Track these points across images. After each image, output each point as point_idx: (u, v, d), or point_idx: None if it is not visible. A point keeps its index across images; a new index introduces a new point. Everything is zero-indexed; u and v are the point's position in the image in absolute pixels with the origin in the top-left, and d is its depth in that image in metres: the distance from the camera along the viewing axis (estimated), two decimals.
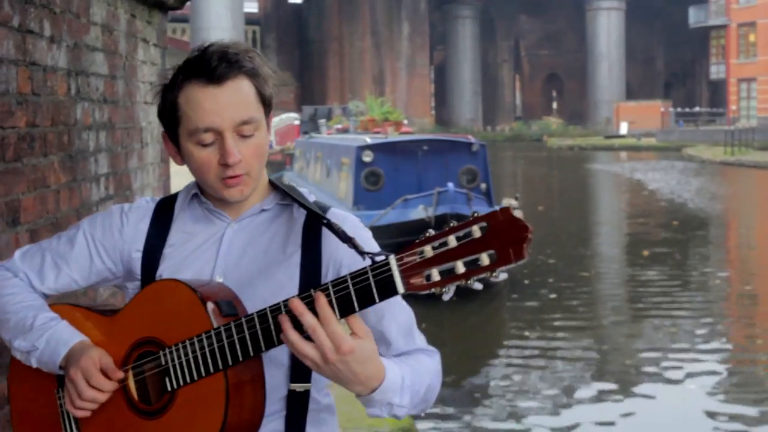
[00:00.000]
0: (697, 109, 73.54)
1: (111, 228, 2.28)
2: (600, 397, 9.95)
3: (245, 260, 2.19)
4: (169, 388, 2.04)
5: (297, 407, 2.16)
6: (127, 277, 2.29)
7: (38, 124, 3.61)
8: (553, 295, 14.83)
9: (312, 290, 1.91)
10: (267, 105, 2.19)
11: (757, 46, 66.32)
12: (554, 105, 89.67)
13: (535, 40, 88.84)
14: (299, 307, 1.88)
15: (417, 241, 1.82)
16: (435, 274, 1.80)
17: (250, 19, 71.87)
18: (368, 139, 17.66)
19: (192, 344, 2.01)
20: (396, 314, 2.19)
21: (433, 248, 1.80)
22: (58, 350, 2.14)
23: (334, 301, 1.89)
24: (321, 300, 1.87)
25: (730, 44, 68.76)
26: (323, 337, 1.86)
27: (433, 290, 1.81)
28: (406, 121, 24.78)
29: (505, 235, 1.75)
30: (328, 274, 2.17)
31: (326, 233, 2.17)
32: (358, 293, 1.87)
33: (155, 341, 2.08)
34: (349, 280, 1.88)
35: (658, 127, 67.07)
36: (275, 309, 1.94)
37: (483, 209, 14.99)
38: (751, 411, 9.35)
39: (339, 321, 1.90)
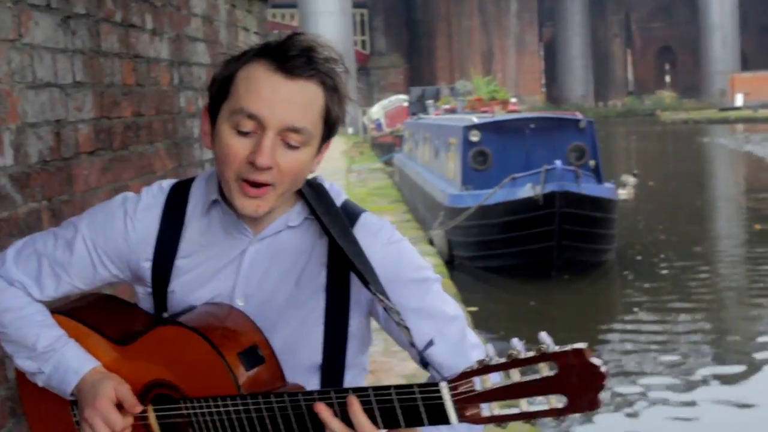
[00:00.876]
0: None
1: (114, 236, 2.04)
2: (719, 379, 9.75)
3: (269, 283, 1.99)
4: None
5: None
6: (137, 281, 2.09)
7: (143, 114, 3.79)
8: (665, 272, 14.68)
9: (349, 391, 1.77)
10: (329, 128, 1.94)
11: None
12: (667, 78, 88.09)
13: (645, 13, 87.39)
14: (354, 404, 1.75)
15: (474, 368, 1.65)
16: (493, 408, 1.65)
17: (357, 2, 72.15)
18: (475, 119, 17.65)
19: (217, 406, 1.88)
20: (443, 326, 2.00)
21: (493, 381, 1.64)
22: (68, 379, 1.99)
23: (376, 410, 1.76)
24: (355, 406, 1.75)
25: None
26: None
27: (493, 425, 1.68)
28: (514, 99, 24.67)
29: (578, 381, 1.60)
30: (360, 299, 1.99)
31: (360, 239, 1.97)
32: (404, 410, 1.73)
33: (174, 387, 1.94)
34: (393, 393, 1.73)
35: None
36: (307, 397, 1.81)
37: (591, 185, 14.99)
38: None
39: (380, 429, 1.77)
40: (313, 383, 1.97)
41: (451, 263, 15.01)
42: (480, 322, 10.17)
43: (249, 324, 1.93)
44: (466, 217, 14.85)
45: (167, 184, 2.08)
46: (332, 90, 1.89)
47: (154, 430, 1.96)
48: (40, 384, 2.02)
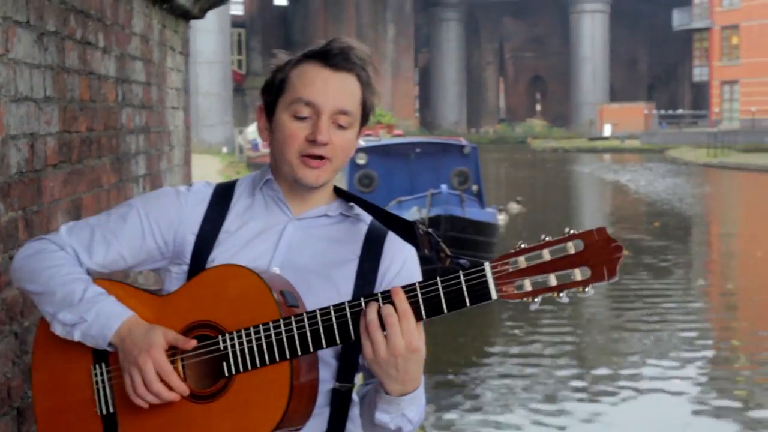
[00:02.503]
0: (680, 111, 73.92)
1: (168, 208, 2.24)
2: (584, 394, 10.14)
3: (303, 258, 2.20)
4: (227, 374, 2.03)
5: (340, 405, 2.19)
6: (174, 260, 2.25)
7: (95, 129, 3.91)
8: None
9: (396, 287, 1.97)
10: (365, 114, 2.25)
11: (739, 49, 66.72)
12: (538, 107, 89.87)
13: (519, 43, 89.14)
14: (399, 293, 1.96)
15: (511, 251, 1.91)
16: (527, 285, 1.91)
17: (236, 22, 71.97)
18: (361, 142, 17.91)
19: (257, 331, 2.01)
20: None
21: (527, 259, 1.90)
22: (110, 324, 2.10)
23: (420, 301, 1.95)
24: (401, 294, 1.96)
25: (713, 47, 69.17)
26: (398, 329, 1.95)
27: (524, 299, 1.92)
28: (396, 124, 25.02)
29: (600, 254, 1.87)
30: (380, 288, 2.20)
31: (387, 249, 2.24)
32: (449, 296, 1.94)
33: (212, 325, 2.06)
34: (439, 283, 1.95)
35: (641, 129, 67.39)
36: (353, 305, 1.99)
37: (475, 210, 15.37)
38: None
39: (424, 320, 1.96)
40: (329, 361, 2.16)
41: None
42: None
43: (287, 282, 2.11)
44: None
45: (214, 183, 2.34)
46: (366, 83, 2.22)
47: (179, 373, 2.06)
48: (76, 336, 2.11)
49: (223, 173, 30.98)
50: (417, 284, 1.96)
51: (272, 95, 2.22)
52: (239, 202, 2.26)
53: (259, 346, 2.00)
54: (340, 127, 2.17)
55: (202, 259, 2.20)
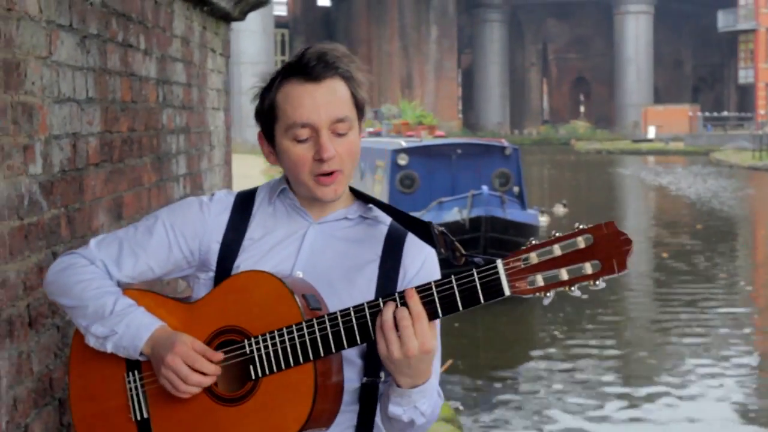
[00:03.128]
0: (725, 113, 73.39)
1: (192, 218, 2.30)
2: (625, 400, 10.10)
3: (325, 261, 2.25)
4: (253, 377, 2.10)
5: (369, 399, 2.23)
6: (201, 268, 2.31)
7: (136, 129, 4.00)
8: (584, 296, 15.07)
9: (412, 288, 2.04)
10: (360, 109, 2.27)
11: None
12: (582, 109, 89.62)
13: (562, 44, 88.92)
14: (413, 296, 2.02)
15: (523, 248, 1.96)
16: (539, 280, 1.95)
17: (279, 23, 72.34)
18: (403, 143, 17.98)
19: (281, 335, 2.07)
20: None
21: (538, 255, 1.95)
22: (140, 334, 2.17)
23: (437, 300, 2.02)
24: (415, 297, 2.02)
25: (758, 48, 68.74)
26: (412, 332, 2.01)
27: (537, 294, 1.96)
28: (438, 125, 25.10)
29: (609, 247, 1.91)
30: (402, 288, 2.22)
31: (407, 250, 2.28)
32: (463, 294, 1.99)
33: (238, 330, 2.13)
34: (454, 281, 2.00)
35: (686, 131, 67.01)
36: (372, 305, 2.06)
37: (516, 211, 15.39)
38: None
39: (440, 318, 2.04)
40: (354, 360, 2.22)
41: None
42: None
43: (310, 285, 2.17)
44: None
45: (235, 192, 2.40)
46: (351, 79, 2.24)
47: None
48: (109, 348, 2.19)
49: (266, 173, 31.13)
50: (432, 283, 2.02)
51: (266, 122, 2.27)
52: (261, 210, 2.32)
53: (284, 349, 2.07)
54: (339, 135, 2.20)
55: (228, 266, 2.25)
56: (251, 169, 28.97)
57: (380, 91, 71.79)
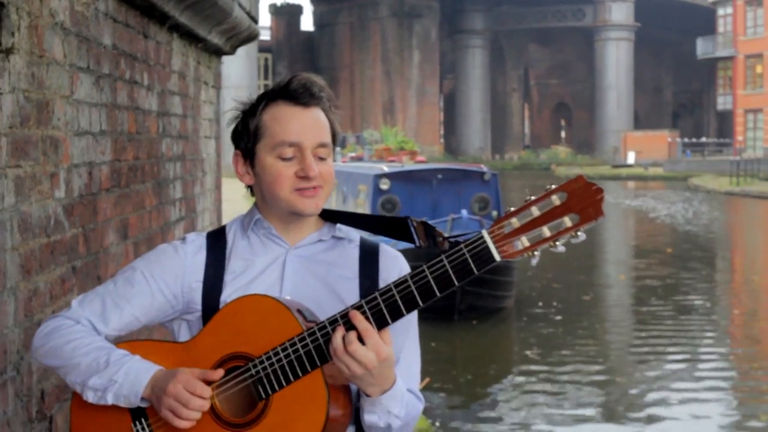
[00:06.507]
0: (703, 139, 74.00)
1: (169, 262, 2.35)
2: (607, 420, 10.32)
3: (310, 284, 2.33)
4: (264, 396, 2.13)
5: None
6: (186, 309, 2.35)
7: (140, 157, 4.44)
8: (558, 317, 15.50)
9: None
10: (335, 140, 2.38)
11: (763, 78, 66.95)
12: (563, 134, 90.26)
13: (544, 70, 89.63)
14: (356, 316, 2.10)
15: (503, 215, 2.04)
16: (524, 241, 2.02)
17: (262, 47, 72.84)
18: (385, 168, 18.33)
19: (284, 349, 2.11)
20: (412, 354, 2.41)
21: (519, 219, 2.02)
22: (140, 380, 2.20)
23: (431, 280, 2.07)
24: (358, 316, 2.09)
25: (737, 75, 69.51)
26: (364, 352, 2.08)
27: (525, 255, 2.03)
28: (419, 150, 25.53)
29: (583, 198, 1.99)
30: None
31: (382, 263, 2.39)
32: (455, 269, 2.05)
33: (240, 355, 2.17)
34: (444, 259, 2.06)
35: (665, 156, 67.62)
36: (369, 302, 2.11)
37: None
38: None
39: (439, 295, 2.08)
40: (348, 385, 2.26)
41: None
42: None
43: (300, 303, 2.23)
44: None
45: (204, 233, 2.47)
46: (330, 110, 2.36)
47: (217, 407, 2.17)
48: (110, 399, 2.22)
49: (248, 197, 31.36)
50: (425, 266, 2.08)
51: (249, 141, 2.34)
52: (236, 244, 2.38)
53: (289, 362, 2.11)
54: (321, 159, 2.31)
55: (214, 303, 2.31)
56: (234, 193, 29.32)
57: (363, 115, 72.36)
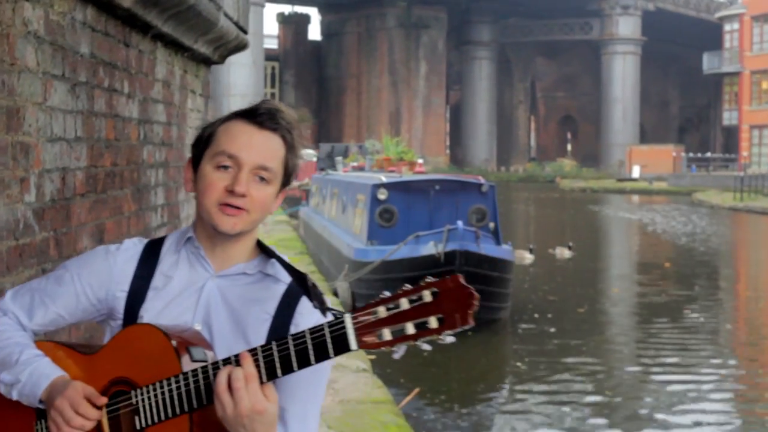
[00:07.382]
0: (708, 154, 74.02)
1: (97, 268, 2.36)
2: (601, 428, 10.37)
3: (220, 317, 2.30)
4: (138, 427, 2.17)
5: None
6: (110, 315, 2.37)
7: (118, 164, 4.53)
8: (553, 329, 15.56)
9: (261, 347, 2.07)
10: (287, 176, 2.33)
11: None
12: (568, 147, 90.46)
13: (550, 83, 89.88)
14: (246, 358, 2.07)
15: (372, 301, 1.97)
16: (386, 334, 1.95)
17: (270, 56, 73.08)
18: (383, 178, 18.42)
19: (161, 386, 2.13)
20: (306, 417, 2.30)
21: (387, 309, 1.95)
22: (40, 383, 2.24)
23: (292, 353, 2.03)
24: (248, 359, 2.06)
25: (742, 91, 69.61)
26: (244, 393, 2.05)
27: (384, 349, 1.96)
28: (421, 161, 25.61)
29: (454, 302, 1.90)
30: None
31: (300, 310, 2.29)
32: (315, 347, 2.01)
33: (128, 381, 2.20)
34: (307, 335, 2.02)
35: (670, 171, 67.71)
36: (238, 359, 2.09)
37: (490, 246, 15.89)
38: None
39: (296, 370, 2.04)
40: None
41: None
42: (379, 371, 10.69)
43: (203, 338, 2.26)
44: (371, 270, 15.62)
45: (146, 240, 2.47)
46: (290, 145, 2.31)
47: (104, 427, 2.22)
48: (14, 396, 2.28)
49: None
50: (290, 337, 2.06)
51: (199, 148, 2.34)
52: (166, 258, 2.37)
53: (163, 400, 2.13)
54: (262, 180, 2.27)
55: (134, 315, 2.33)
56: None
57: (369, 125, 72.53)
